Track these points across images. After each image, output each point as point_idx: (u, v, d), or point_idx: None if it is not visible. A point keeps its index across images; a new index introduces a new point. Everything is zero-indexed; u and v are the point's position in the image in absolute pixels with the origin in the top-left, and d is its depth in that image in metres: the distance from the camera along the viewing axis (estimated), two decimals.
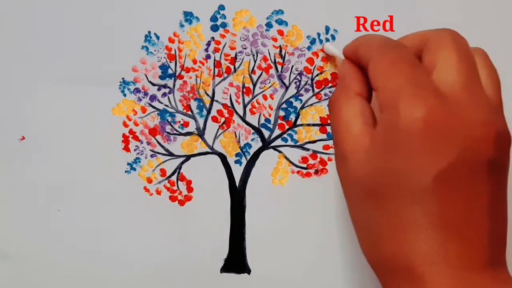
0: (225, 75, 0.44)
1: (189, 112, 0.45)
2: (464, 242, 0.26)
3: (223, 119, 0.45)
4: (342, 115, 0.31)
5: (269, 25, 0.44)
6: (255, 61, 0.44)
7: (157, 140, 0.45)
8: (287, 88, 0.44)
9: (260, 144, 0.45)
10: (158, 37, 0.44)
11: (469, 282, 0.26)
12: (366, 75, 0.32)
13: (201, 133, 0.45)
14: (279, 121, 0.45)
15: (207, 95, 0.45)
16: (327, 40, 0.43)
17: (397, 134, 0.26)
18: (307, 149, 0.45)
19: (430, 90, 0.26)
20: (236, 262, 0.45)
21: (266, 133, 0.45)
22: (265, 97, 0.44)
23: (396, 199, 0.27)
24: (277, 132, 0.45)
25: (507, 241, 0.29)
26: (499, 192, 0.28)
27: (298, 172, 0.45)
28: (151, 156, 0.45)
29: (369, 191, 0.29)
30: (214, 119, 0.45)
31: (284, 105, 0.44)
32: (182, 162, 0.45)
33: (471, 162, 0.26)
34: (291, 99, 0.44)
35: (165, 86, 0.45)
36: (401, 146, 0.26)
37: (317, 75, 0.44)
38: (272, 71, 0.44)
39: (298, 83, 0.44)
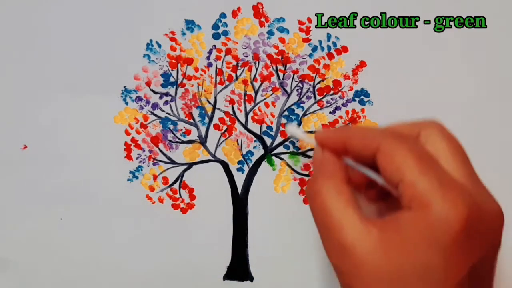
0: (227, 83, 0.44)
1: (191, 120, 0.45)
2: None
3: (225, 127, 0.45)
4: (333, 205, 0.30)
5: (270, 33, 0.44)
6: (256, 69, 0.44)
7: (159, 148, 0.45)
8: (289, 95, 0.44)
9: (262, 151, 0.45)
10: (159, 45, 0.44)
11: None
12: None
13: (203, 141, 0.45)
14: (281, 129, 0.45)
15: (209, 103, 0.45)
16: (328, 47, 0.43)
17: (430, 231, 0.27)
18: (309, 156, 0.45)
19: (460, 189, 0.28)
20: (238, 269, 0.45)
21: (268, 141, 0.45)
22: (267, 105, 0.44)
23: None
24: (279, 139, 0.45)
25: None
26: None
27: (300, 179, 0.45)
28: (153, 164, 0.45)
29: (390, 284, 0.28)
30: (216, 127, 0.45)
31: (286, 113, 0.44)
32: (184, 170, 0.45)
33: (493, 251, 0.28)
34: (293, 107, 0.44)
35: (167, 94, 0.45)
36: (436, 242, 0.27)
37: (319, 82, 0.44)
38: (274, 78, 0.44)
39: (300, 91, 0.44)
